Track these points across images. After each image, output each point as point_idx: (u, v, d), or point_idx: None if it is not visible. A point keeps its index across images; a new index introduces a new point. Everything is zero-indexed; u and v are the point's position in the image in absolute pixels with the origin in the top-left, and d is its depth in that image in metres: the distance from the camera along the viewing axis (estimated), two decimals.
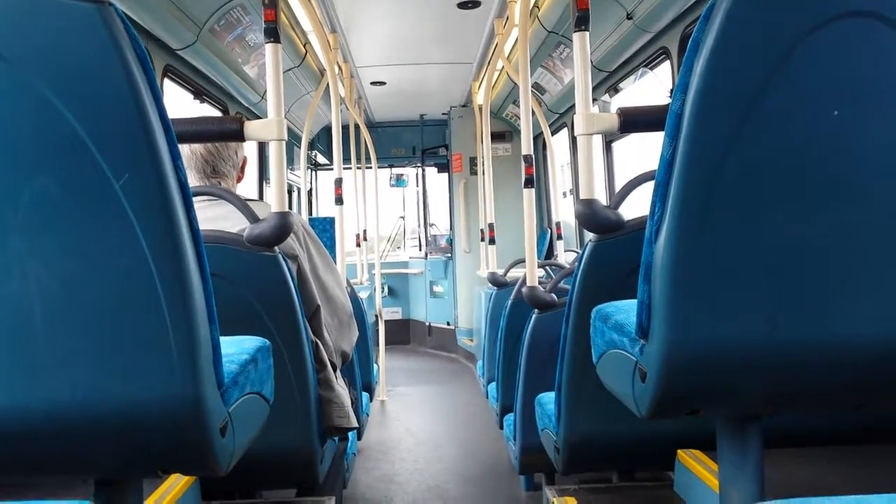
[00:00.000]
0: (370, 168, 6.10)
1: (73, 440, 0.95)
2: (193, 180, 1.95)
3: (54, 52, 0.86)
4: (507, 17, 3.77)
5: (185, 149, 1.92)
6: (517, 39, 2.96)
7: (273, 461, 1.74)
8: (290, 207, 1.70)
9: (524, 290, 2.31)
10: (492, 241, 4.10)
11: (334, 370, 1.94)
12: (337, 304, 2.00)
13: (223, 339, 1.06)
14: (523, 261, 2.61)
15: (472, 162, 6.69)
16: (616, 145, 4.48)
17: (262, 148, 4.79)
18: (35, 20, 0.85)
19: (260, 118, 1.96)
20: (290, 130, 2.38)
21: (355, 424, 1.93)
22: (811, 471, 1.46)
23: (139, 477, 1.17)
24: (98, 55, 0.86)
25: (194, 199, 1.82)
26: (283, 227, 1.62)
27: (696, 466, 1.39)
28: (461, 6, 4.05)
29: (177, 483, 1.38)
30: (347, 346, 2.05)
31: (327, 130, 7.00)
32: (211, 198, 1.83)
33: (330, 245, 4.74)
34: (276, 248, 1.65)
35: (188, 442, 0.98)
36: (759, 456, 1.16)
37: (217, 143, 1.92)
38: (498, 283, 3.80)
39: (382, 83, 5.85)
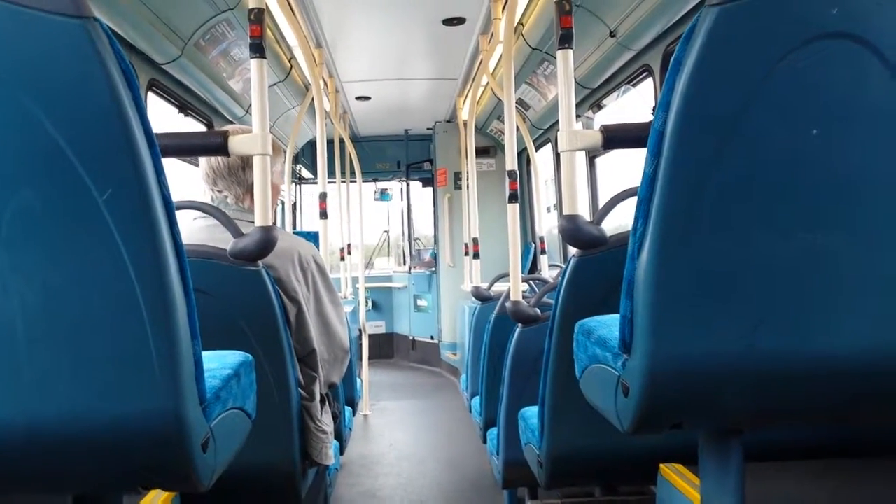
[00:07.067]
0: (355, 182, 6.10)
1: (53, 455, 0.94)
2: (205, 188, 1.97)
3: (38, 67, 0.86)
4: (492, 34, 3.80)
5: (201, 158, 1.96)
6: (502, 56, 2.99)
7: (255, 477, 1.73)
8: (274, 221, 1.70)
9: (508, 304, 2.32)
10: (476, 256, 4.10)
11: (323, 403, 1.94)
12: (335, 341, 2.00)
13: (205, 354, 1.06)
14: (507, 275, 2.62)
15: (457, 177, 6.71)
16: (599, 161, 4.51)
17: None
18: (19, 34, 0.85)
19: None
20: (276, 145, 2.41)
21: (329, 462, 1.92)
22: (794, 484, 1.46)
23: (119, 492, 1.16)
24: (82, 70, 0.86)
25: (199, 218, 1.83)
26: (266, 241, 1.61)
27: (679, 481, 1.40)
28: (446, 22, 4.07)
29: (157, 498, 1.36)
30: (336, 378, 2.06)
31: (312, 145, 6.99)
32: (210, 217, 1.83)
33: None
34: (259, 262, 1.65)
35: (169, 457, 0.97)
36: (740, 470, 1.17)
37: (228, 160, 1.92)
38: (482, 297, 3.80)
39: (367, 98, 5.86)
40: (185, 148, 1.63)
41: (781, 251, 1.00)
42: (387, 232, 8.38)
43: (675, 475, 1.42)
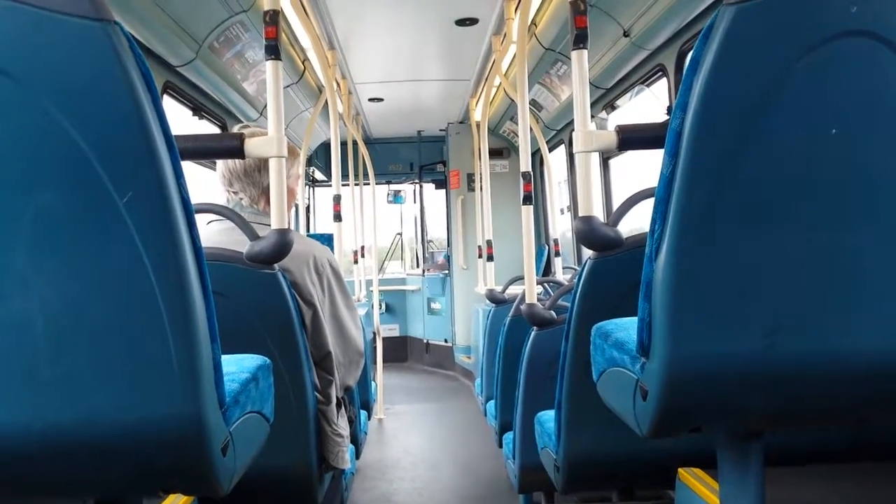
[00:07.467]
0: (368, 184, 6.11)
1: (74, 459, 0.95)
2: (220, 189, 1.98)
3: (60, 70, 0.86)
4: (505, 35, 3.80)
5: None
6: (515, 56, 2.98)
7: (272, 482, 1.73)
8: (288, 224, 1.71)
9: (523, 307, 2.31)
10: (490, 258, 4.09)
11: (339, 407, 1.94)
12: (350, 344, 2.01)
13: (224, 358, 1.06)
14: (521, 278, 2.61)
15: (470, 178, 6.70)
16: (613, 162, 4.49)
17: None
18: (41, 38, 0.86)
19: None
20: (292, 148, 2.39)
21: (346, 466, 1.92)
22: (814, 489, 1.45)
23: (139, 496, 1.16)
24: (102, 73, 0.86)
25: (214, 221, 1.84)
26: (282, 244, 1.62)
27: (697, 485, 1.39)
28: (459, 23, 4.07)
29: (176, 502, 1.37)
30: (352, 382, 2.06)
31: (325, 147, 7.01)
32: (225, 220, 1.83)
33: None
34: (276, 265, 1.65)
35: (190, 461, 0.97)
36: (760, 474, 1.16)
37: (244, 161, 1.92)
38: (496, 300, 3.79)
39: (380, 99, 5.87)
40: (202, 150, 1.64)
41: (800, 252, 0.99)
42: (400, 234, 8.38)
43: (693, 479, 1.41)
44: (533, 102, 4.89)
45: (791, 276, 0.99)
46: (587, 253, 1.64)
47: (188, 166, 3.40)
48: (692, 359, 1.01)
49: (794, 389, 1.05)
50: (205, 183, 3.98)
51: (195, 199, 1.07)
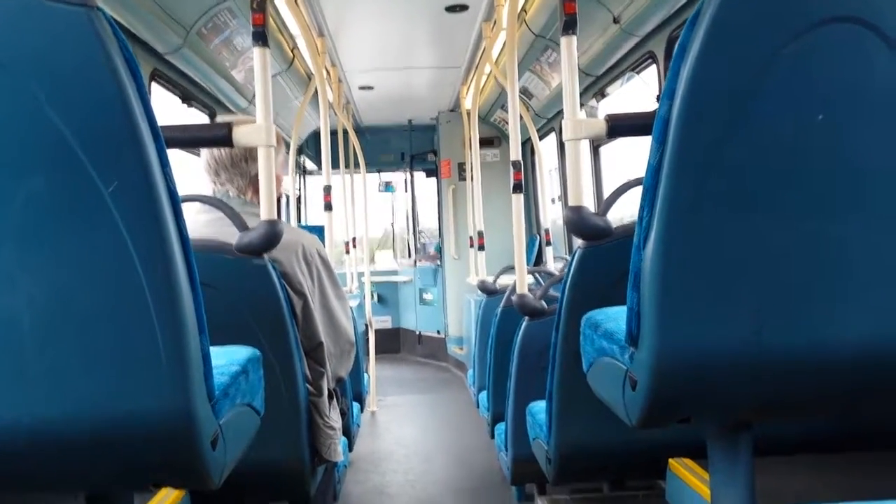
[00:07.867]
0: (359, 173, 6.08)
1: (63, 455, 0.94)
2: (206, 180, 1.95)
3: (43, 57, 0.85)
4: (495, 21, 3.78)
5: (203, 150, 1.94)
6: (505, 43, 2.96)
7: (264, 474, 1.72)
8: (279, 215, 1.70)
9: (514, 297, 2.30)
10: (481, 248, 4.08)
11: (331, 398, 1.93)
12: (341, 334, 2.00)
13: (213, 350, 1.05)
14: (513, 267, 2.60)
15: (461, 167, 6.69)
16: (603, 149, 4.49)
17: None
18: (24, 24, 0.85)
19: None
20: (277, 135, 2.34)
21: (338, 459, 1.92)
22: (803, 478, 1.46)
23: (130, 491, 1.16)
24: (86, 60, 0.85)
25: (202, 212, 1.82)
26: (272, 234, 1.61)
27: (688, 475, 1.39)
28: (449, 10, 4.05)
29: (167, 496, 1.36)
30: (344, 372, 2.05)
31: (315, 135, 6.97)
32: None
33: None
34: (265, 256, 1.64)
35: (179, 455, 0.97)
36: (749, 464, 1.16)
37: (230, 151, 1.90)
38: (487, 290, 3.78)
39: (370, 88, 5.83)
40: (190, 140, 1.63)
41: (787, 241, 0.99)
42: (392, 224, 8.37)
43: (684, 469, 1.42)
44: (523, 90, 4.87)
45: (777, 265, 0.99)
46: (578, 242, 1.63)
47: (176, 156, 3.38)
48: (680, 349, 1.01)
49: (782, 380, 1.04)
50: (193, 172, 3.96)
51: (183, 189, 1.06)
